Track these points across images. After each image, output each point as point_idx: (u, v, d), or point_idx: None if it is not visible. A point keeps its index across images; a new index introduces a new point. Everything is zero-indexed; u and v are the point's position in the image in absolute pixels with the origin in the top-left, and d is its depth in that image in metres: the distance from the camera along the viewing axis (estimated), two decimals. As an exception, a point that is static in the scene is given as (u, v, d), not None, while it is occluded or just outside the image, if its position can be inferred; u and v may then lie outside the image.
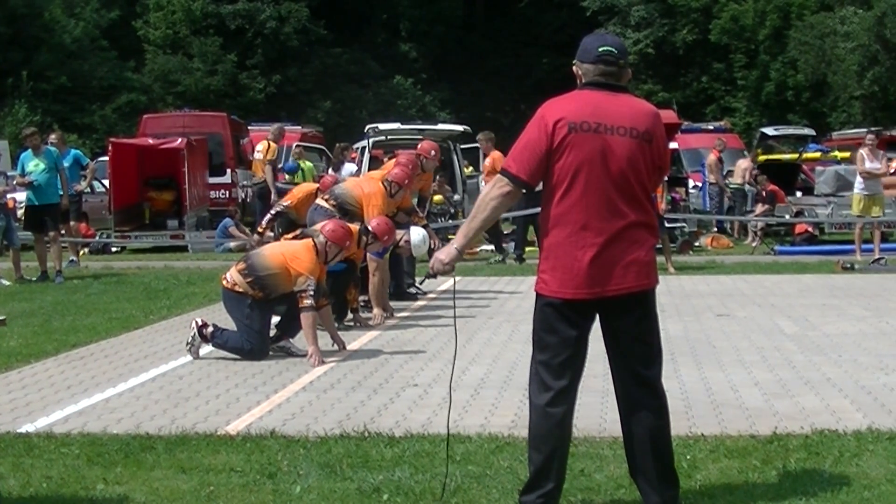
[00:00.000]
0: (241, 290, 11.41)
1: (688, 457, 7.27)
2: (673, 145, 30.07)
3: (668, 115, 29.45)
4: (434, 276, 6.47)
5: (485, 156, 24.13)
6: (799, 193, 29.47)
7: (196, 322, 11.67)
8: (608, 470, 7.03)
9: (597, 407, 8.77)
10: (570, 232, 5.93)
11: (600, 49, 6.06)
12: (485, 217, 6.11)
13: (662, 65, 61.20)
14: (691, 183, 30.42)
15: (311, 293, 11.07)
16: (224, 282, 11.65)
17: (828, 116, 51.49)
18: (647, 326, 6.17)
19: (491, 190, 6.07)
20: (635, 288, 6.02)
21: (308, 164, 29.87)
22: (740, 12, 56.10)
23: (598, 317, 6.12)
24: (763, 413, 8.62)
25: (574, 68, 6.17)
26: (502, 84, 62.00)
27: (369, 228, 12.62)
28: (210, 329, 11.54)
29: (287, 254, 11.42)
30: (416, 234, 14.14)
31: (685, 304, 15.32)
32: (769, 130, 36.29)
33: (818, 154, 34.48)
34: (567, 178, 5.91)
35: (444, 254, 6.20)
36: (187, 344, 11.59)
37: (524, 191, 6.09)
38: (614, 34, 5.89)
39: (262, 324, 11.50)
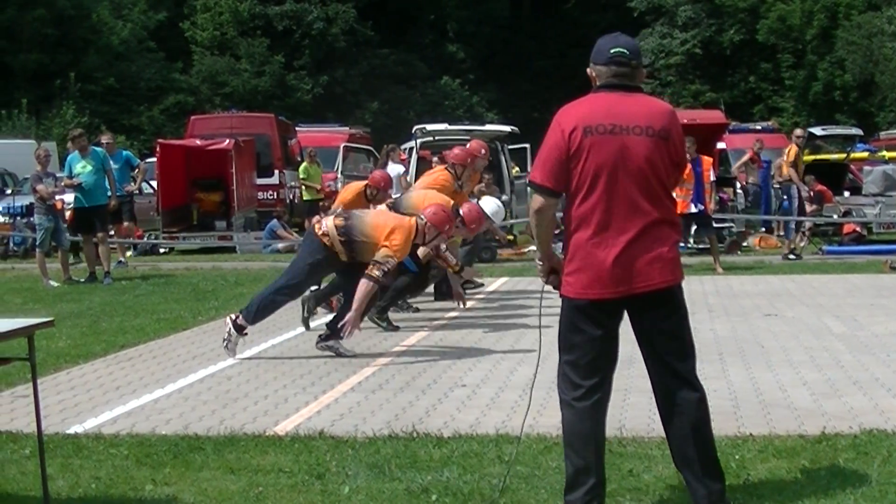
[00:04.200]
0: (328, 243, 11.36)
1: (736, 457, 7.25)
2: (721, 145, 29.95)
3: (716, 115, 29.42)
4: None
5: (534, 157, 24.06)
6: (847, 193, 29.29)
7: (230, 318, 11.73)
8: (657, 470, 7.02)
9: (645, 407, 8.71)
10: (592, 233, 5.98)
11: (612, 50, 6.10)
12: (540, 233, 6.25)
13: (710, 65, 61.09)
14: (738, 184, 30.25)
15: (385, 270, 11.10)
16: (317, 227, 11.55)
17: (875, 116, 51.21)
18: (677, 322, 6.20)
19: (531, 207, 6.20)
20: (661, 285, 6.06)
21: (315, 167, 30.03)
22: (787, 12, 55.89)
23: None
24: (811, 413, 8.58)
25: (588, 71, 6.20)
26: (549, 84, 61.89)
27: (460, 212, 12.65)
28: (241, 317, 11.62)
29: (388, 227, 11.31)
30: (490, 203, 14.16)
31: (733, 304, 15.26)
32: (817, 130, 36.07)
33: (866, 154, 34.26)
34: (587, 180, 5.96)
35: (539, 271, 6.41)
36: (224, 341, 11.66)
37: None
38: (627, 35, 5.85)
39: (312, 278, 11.59)
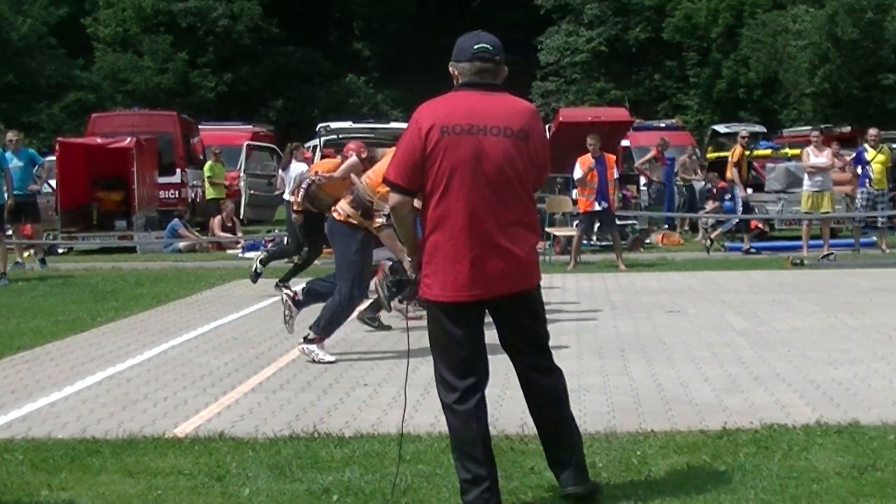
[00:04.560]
0: (354, 222, 11.28)
1: (638, 453, 7.26)
2: (625, 143, 30.12)
3: (620, 113, 29.53)
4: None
5: None
6: (750, 190, 29.57)
7: (288, 294, 11.76)
8: (558, 467, 6.98)
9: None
10: (449, 235, 5.95)
11: (476, 46, 6.10)
12: (400, 229, 6.28)
13: (615, 63, 61.45)
14: (643, 180, 30.46)
15: (385, 214, 10.95)
16: (336, 214, 11.45)
17: (779, 114, 51.75)
18: (534, 321, 6.29)
19: (388, 204, 6.19)
20: (517, 289, 6.11)
21: (219, 166, 29.89)
22: (693, 10, 56.37)
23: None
24: (713, 408, 8.62)
25: (450, 69, 6.18)
26: (454, 83, 61.90)
27: None
28: (300, 296, 11.64)
29: (378, 173, 11.14)
30: None
31: (635, 301, 15.34)
32: (720, 128, 36.48)
33: (769, 151, 34.66)
34: (443, 181, 5.92)
35: (408, 266, 6.36)
36: (285, 318, 11.70)
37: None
38: (490, 34, 5.84)
39: (364, 264, 11.42)
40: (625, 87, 59.29)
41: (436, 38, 65.93)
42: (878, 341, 11.66)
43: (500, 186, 5.97)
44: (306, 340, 11.28)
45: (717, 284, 17.09)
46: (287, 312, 11.75)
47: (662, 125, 35.94)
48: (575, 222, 22.44)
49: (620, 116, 28.60)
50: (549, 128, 24.86)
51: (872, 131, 24.87)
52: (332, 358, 11.17)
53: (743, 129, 28.94)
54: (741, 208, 24.50)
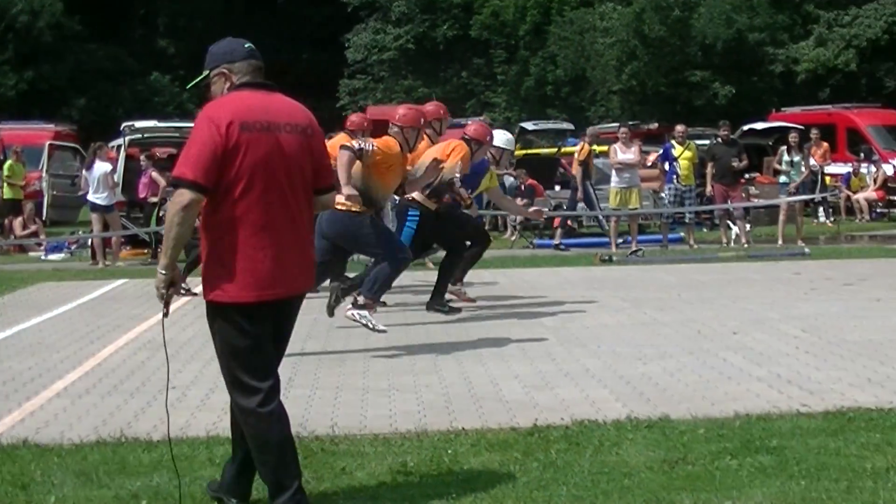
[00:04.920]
0: (356, 209, 11.19)
1: (449, 451, 7.26)
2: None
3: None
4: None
5: None
6: (558, 187, 29.94)
7: (353, 311, 11.50)
8: (370, 467, 6.96)
9: (356, 404, 8.76)
10: (250, 233, 5.86)
11: (246, 46, 6.13)
12: (182, 233, 5.83)
13: (423, 60, 61.63)
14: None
15: (359, 147, 11.34)
16: (340, 207, 11.12)
17: (587, 111, 52.47)
18: (292, 328, 6.34)
19: (172, 205, 5.85)
20: (308, 285, 6.21)
21: (19, 166, 29.21)
22: (501, 8, 56.79)
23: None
24: (523, 405, 8.66)
25: (220, 73, 6.08)
26: (263, 79, 61.54)
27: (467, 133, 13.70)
28: (361, 299, 11.48)
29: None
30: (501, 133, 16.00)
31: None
32: (528, 125, 36.84)
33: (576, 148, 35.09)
34: (244, 178, 5.82)
35: (157, 281, 5.98)
36: (369, 328, 11.45)
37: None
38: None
39: (389, 232, 11.90)
40: (433, 84, 59.49)
41: (243, 35, 65.36)
42: (687, 336, 11.85)
43: (296, 184, 5.97)
44: (356, 306, 11.38)
45: (527, 282, 17.21)
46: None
47: (470, 123, 36.10)
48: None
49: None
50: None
51: (679, 128, 25.42)
52: (383, 327, 11.46)
53: (590, 128, 29.34)
54: (580, 206, 24.79)
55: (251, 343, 5.95)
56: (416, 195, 13.02)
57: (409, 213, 13.26)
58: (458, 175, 13.06)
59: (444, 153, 13.10)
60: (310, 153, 6.06)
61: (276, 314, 6.07)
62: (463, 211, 13.89)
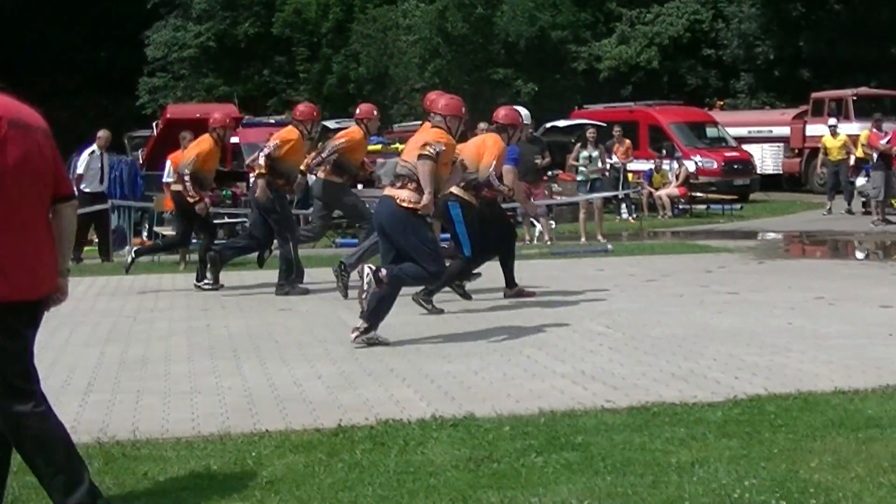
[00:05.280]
0: (414, 201, 11.24)
1: (253, 454, 7.17)
2: (234, 139, 29.93)
3: (229, 110, 29.33)
4: None
5: None
6: (360, 185, 29.89)
7: (370, 268, 11.19)
8: (172, 471, 6.85)
9: (158, 408, 8.62)
10: (17, 231, 5.71)
11: None
12: None
13: (224, 58, 61.17)
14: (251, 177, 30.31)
15: (435, 150, 11.22)
16: (401, 204, 11.26)
17: (389, 109, 52.60)
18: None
19: None
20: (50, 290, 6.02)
21: None
22: (303, 5, 56.64)
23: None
24: (327, 406, 8.60)
25: None
26: (67, 76, 60.78)
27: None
28: (383, 272, 11.14)
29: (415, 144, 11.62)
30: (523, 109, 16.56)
31: (245, 300, 15.23)
32: (331, 124, 36.71)
33: (379, 146, 35.11)
34: (6, 176, 5.65)
35: None
36: (362, 293, 11.15)
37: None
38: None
39: (435, 241, 11.96)
40: (234, 82, 59.10)
41: (40, 32, 64.14)
42: (490, 334, 11.91)
43: (45, 186, 5.86)
44: (362, 332, 11.34)
45: (330, 282, 17.06)
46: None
47: (272, 121, 35.92)
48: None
49: (229, 113, 28.36)
50: (157, 125, 24.40)
51: (482, 125, 25.56)
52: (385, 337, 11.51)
53: (482, 124, 29.32)
54: None
55: (21, 345, 5.80)
56: (454, 189, 13.28)
57: (451, 209, 13.66)
58: (493, 173, 13.54)
59: (478, 152, 13.64)
60: (52, 158, 5.93)
61: (35, 315, 5.94)
62: (500, 206, 14.94)
